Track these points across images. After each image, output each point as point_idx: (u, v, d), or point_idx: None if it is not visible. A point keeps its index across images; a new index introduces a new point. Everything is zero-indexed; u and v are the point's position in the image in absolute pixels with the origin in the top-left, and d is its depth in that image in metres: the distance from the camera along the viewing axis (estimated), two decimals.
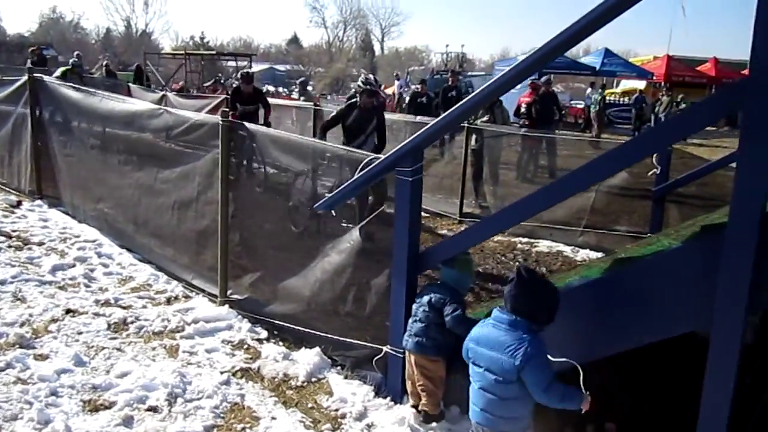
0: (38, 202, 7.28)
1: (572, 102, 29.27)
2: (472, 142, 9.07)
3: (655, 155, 6.82)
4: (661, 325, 2.74)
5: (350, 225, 4.28)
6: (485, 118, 10.68)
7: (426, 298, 3.53)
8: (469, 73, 32.74)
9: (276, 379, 4.06)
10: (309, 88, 16.38)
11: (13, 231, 6.27)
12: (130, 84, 15.58)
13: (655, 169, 7.15)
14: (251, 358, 4.29)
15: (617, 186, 7.90)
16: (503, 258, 7.15)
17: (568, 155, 10.57)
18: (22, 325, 4.36)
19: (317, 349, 4.28)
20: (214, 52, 36.06)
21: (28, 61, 15.63)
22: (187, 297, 5.19)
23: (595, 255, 7.28)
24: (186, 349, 4.30)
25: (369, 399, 3.83)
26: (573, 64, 26.59)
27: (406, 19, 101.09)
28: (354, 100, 7.31)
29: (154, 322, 4.62)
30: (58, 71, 12.54)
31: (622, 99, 28.04)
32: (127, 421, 3.42)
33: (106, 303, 4.89)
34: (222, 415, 3.60)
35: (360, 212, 5.07)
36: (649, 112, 22.49)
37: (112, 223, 6.28)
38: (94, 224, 6.49)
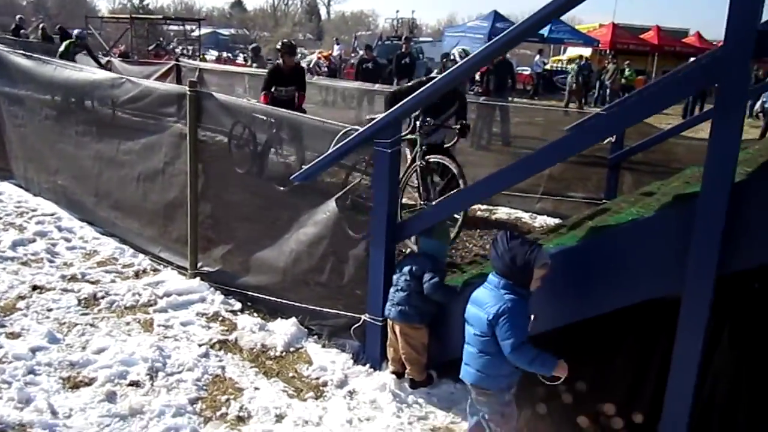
0: None
1: (518, 68, 29.56)
2: None
3: None
4: (636, 289, 2.88)
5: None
6: None
7: (407, 268, 3.61)
8: (420, 39, 32.66)
9: (254, 350, 4.08)
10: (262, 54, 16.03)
11: None
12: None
13: (610, 137, 7.35)
14: (227, 330, 4.30)
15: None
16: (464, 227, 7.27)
17: (520, 122, 10.76)
18: None
19: (293, 320, 4.32)
20: (161, 17, 34.73)
21: None
22: (155, 270, 5.13)
23: (552, 221, 7.48)
24: (161, 323, 4.28)
25: (348, 367, 3.91)
26: None
27: None
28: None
29: (125, 297, 4.56)
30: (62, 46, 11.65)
31: (566, 66, 28.46)
32: (111, 397, 3.39)
33: (73, 278, 4.80)
34: (205, 387, 3.61)
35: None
36: (595, 79, 22.91)
37: (71, 196, 6.10)
38: (51, 197, 6.30)
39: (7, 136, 6.78)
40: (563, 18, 28.59)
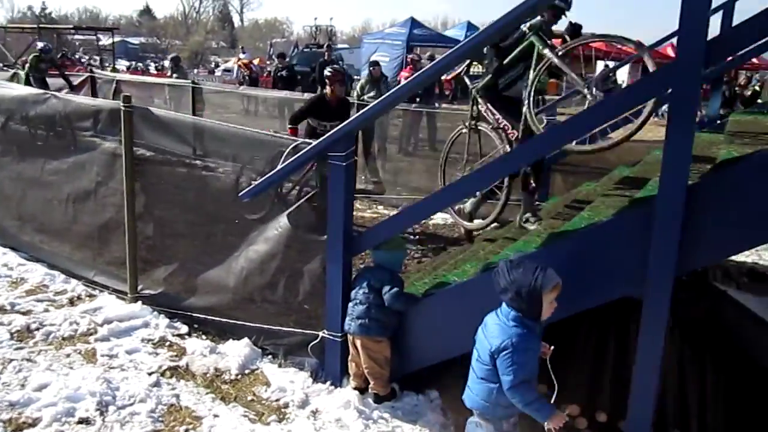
0: None
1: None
2: None
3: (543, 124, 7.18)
4: (600, 291, 2.97)
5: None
6: (372, 94, 10.79)
7: (365, 282, 3.59)
8: (338, 46, 32.68)
9: (208, 375, 3.93)
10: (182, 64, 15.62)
11: None
12: None
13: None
14: (176, 356, 4.12)
15: None
16: (406, 233, 7.31)
17: (442, 127, 10.85)
18: None
19: (246, 340, 4.19)
20: (71, 26, 33.07)
21: None
22: (91, 296, 4.85)
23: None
24: (104, 353, 4.04)
25: (308, 385, 3.83)
26: (438, 37, 27.28)
27: None
28: None
29: (62, 327, 4.29)
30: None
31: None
32: None
33: (2, 309, 4.47)
34: (160, 419, 3.44)
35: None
36: None
37: None
38: None
39: None
40: (477, 23, 29.46)
